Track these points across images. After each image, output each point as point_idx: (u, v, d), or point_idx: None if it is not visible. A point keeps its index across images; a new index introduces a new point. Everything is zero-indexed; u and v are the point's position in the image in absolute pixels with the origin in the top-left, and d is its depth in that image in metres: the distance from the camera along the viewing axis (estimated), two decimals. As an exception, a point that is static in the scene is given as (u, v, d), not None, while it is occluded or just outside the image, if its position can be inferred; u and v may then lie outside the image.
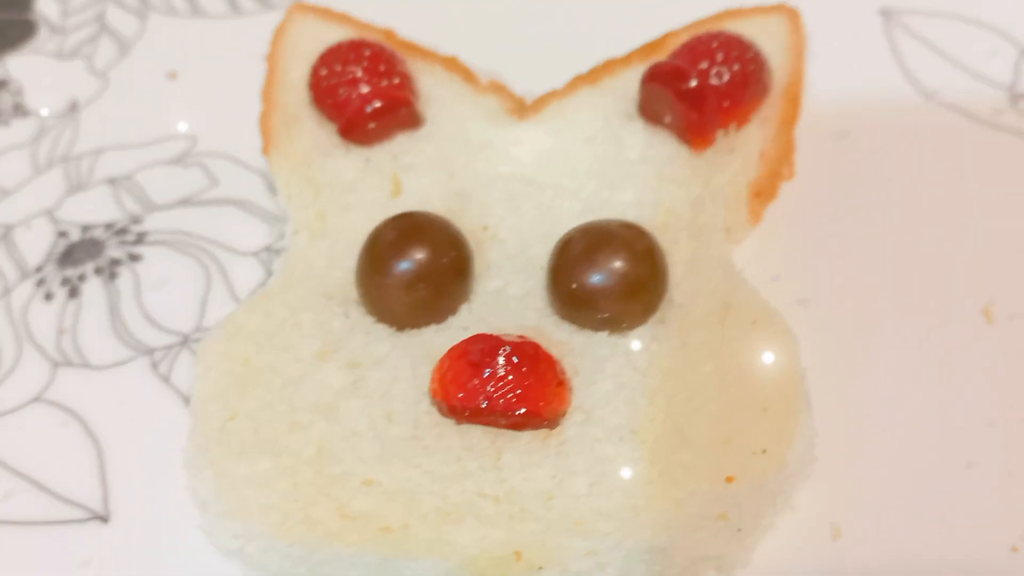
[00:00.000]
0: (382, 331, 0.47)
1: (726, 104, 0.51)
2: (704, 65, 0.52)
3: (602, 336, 0.46)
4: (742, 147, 0.52)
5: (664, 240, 0.48)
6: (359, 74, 0.52)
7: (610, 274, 0.45)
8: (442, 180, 0.51)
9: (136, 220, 0.55)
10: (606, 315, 0.46)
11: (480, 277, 0.48)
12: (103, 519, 0.46)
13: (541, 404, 0.43)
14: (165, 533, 0.45)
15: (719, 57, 0.52)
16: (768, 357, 0.45)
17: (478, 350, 0.43)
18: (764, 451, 0.43)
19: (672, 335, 0.46)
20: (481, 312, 0.47)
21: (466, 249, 0.47)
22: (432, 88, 0.54)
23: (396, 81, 0.53)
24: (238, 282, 0.53)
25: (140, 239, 0.55)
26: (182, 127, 0.59)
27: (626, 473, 0.42)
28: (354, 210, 0.51)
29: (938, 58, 0.58)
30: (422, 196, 0.50)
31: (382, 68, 0.52)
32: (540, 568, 0.41)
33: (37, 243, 0.55)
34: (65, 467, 0.48)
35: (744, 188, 0.51)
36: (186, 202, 0.56)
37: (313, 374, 0.45)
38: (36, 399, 0.50)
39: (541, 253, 0.48)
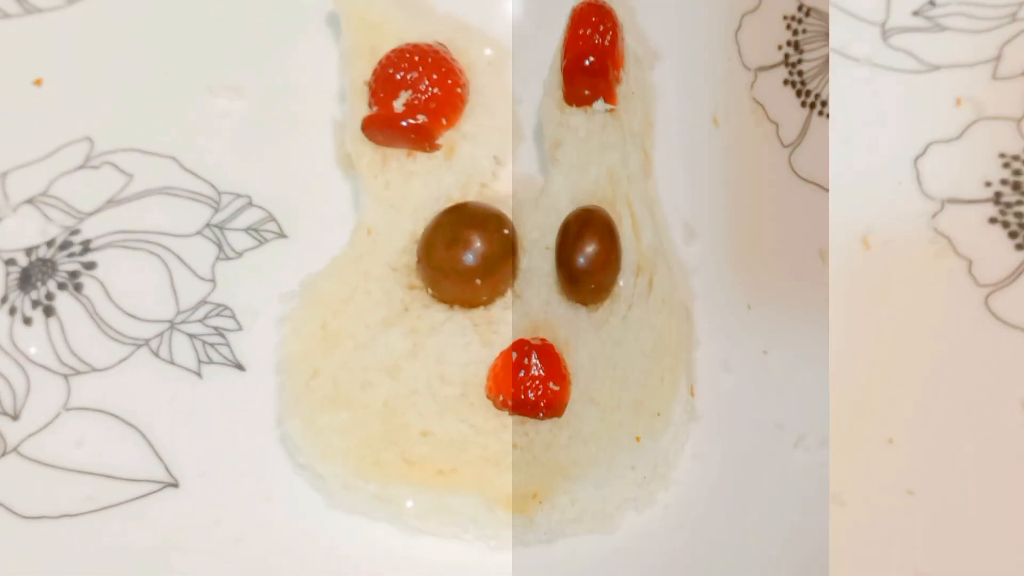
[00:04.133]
0: (438, 303, 0.55)
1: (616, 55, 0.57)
2: (587, 32, 0.56)
3: (582, 311, 0.54)
4: (635, 85, 0.58)
5: (615, 215, 0.55)
6: (408, 93, 0.57)
7: (592, 254, 0.53)
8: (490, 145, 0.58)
9: (74, 231, 0.55)
10: (590, 288, 0.54)
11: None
12: (175, 485, 0.51)
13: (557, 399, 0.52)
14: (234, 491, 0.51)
15: (593, 19, 0.57)
16: (670, 332, 0.53)
17: (518, 353, 0.52)
18: (659, 414, 0.51)
19: (620, 311, 0.54)
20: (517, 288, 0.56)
21: (514, 239, 0.55)
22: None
23: (434, 107, 0.56)
24: (196, 262, 0.55)
25: (86, 248, 0.55)
26: (72, 132, 0.57)
27: (588, 429, 0.52)
28: (415, 178, 0.57)
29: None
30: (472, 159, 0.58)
31: (434, 91, 0.57)
32: (540, 503, 0.50)
33: (-12, 277, 0.55)
34: (119, 453, 0.51)
35: (644, 122, 0.58)
36: (112, 202, 0.56)
37: (380, 339, 0.54)
38: (64, 408, 0.52)
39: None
